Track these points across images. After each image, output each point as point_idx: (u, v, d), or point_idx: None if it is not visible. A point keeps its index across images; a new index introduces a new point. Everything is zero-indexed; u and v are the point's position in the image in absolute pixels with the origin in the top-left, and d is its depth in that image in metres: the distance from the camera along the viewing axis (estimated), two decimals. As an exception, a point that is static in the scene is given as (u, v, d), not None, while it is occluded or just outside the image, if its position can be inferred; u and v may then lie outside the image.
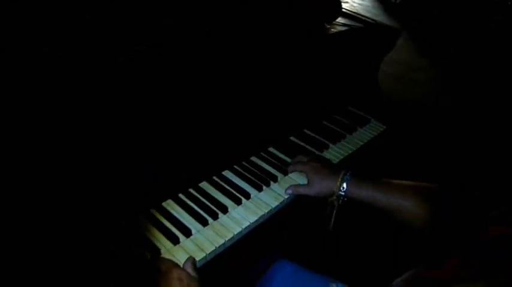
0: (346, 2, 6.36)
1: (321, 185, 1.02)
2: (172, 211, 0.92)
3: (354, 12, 1.48)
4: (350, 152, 1.26)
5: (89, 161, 0.77)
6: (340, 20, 1.37)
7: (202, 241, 0.86)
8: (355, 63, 1.38)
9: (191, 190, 0.99)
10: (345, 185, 0.98)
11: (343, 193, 0.99)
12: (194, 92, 0.94)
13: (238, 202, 0.98)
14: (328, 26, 1.32)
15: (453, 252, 0.54)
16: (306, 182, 1.06)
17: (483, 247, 0.50)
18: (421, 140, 2.67)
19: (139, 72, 0.84)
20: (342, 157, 1.23)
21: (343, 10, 1.45)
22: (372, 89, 1.50)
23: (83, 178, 0.76)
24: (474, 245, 0.52)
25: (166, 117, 0.89)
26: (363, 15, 1.47)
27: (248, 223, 0.93)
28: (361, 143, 1.31)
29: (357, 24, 1.36)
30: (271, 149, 1.20)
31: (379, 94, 1.52)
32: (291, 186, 1.05)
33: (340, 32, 1.28)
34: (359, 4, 6.47)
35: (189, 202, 0.95)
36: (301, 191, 1.04)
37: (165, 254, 0.81)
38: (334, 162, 1.21)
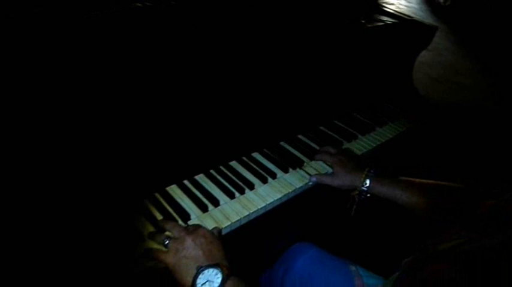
0: (392, 4, 6.26)
1: (345, 179, 1.06)
2: (203, 184, 1.00)
3: (391, 9, 1.51)
4: (378, 144, 1.30)
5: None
6: (376, 16, 1.41)
7: (229, 211, 0.94)
8: (390, 57, 1.41)
9: (222, 167, 1.07)
10: (368, 181, 1.02)
11: (365, 189, 1.03)
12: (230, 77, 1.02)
13: (264, 181, 1.05)
14: (363, 21, 1.36)
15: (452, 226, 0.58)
16: (329, 170, 1.11)
17: (478, 219, 0.54)
18: (457, 140, 2.62)
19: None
20: (369, 148, 1.27)
21: (380, 8, 1.48)
22: (406, 85, 1.52)
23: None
24: (470, 219, 0.56)
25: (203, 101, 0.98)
26: (399, 12, 1.50)
27: (272, 200, 1.00)
28: (390, 137, 1.34)
29: (392, 20, 1.39)
30: (300, 137, 1.26)
31: (414, 92, 1.53)
32: (316, 174, 1.10)
33: (376, 26, 1.32)
34: (405, 6, 6.34)
35: (219, 178, 1.03)
36: (326, 180, 1.08)
37: (194, 221, 0.90)
38: (361, 152, 1.25)
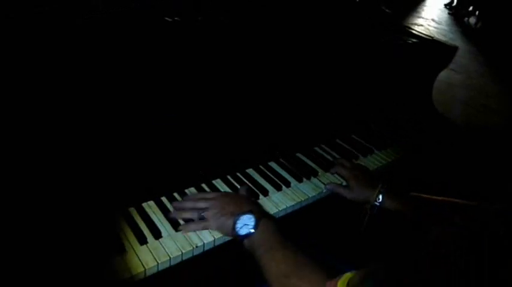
0: (421, 25, 6.25)
1: (359, 193, 1.09)
2: (219, 188, 1.06)
3: (415, 30, 1.54)
4: (392, 159, 1.32)
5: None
6: (398, 35, 1.45)
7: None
8: (409, 74, 1.44)
9: (238, 174, 1.12)
10: (380, 197, 1.05)
11: (378, 204, 1.06)
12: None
13: (278, 188, 1.09)
14: (383, 39, 1.40)
15: None
16: (343, 182, 1.15)
17: None
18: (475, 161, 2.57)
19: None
20: (384, 163, 1.30)
21: (403, 28, 1.52)
22: (426, 104, 1.54)
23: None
24: None
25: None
26: (420, 32, 1.53)
27: (285, 207, 1.04)
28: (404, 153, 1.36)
29: (413, 39, 1.43)
30: (316, 149, 1.30)
31: (433, 111, 1.54)
32: (331, 183, 1.14)
33: (395, 43, 1.36)
34: (435, 28, 6.31)
35: (235, 184, 1.08)
36: (340, 191, 1.12)
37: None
38: (376, 167, 1.27)
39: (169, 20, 1.19)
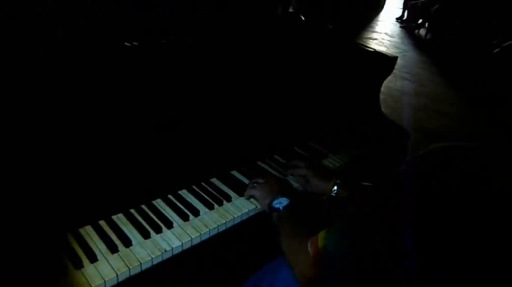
0: (376, 39, 6.59)
1: (317, 187, 1.22)
2: (187, 199, 1.13)
3: (358, 44, 1.69)
4: (346, 161, 1.44)
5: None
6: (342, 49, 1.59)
7: (208, 221, 1.06)
8: (356, 83, 1.57)
9: (203, 184, 1.20)
10: (335, 188, 1.18)
11: (333, 195, 1.18)
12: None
13: (240, 194, 1.18)
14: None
15: None
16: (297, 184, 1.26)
17: None
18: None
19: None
20: (338, 165, 1.41)
21: (347, 42, 1.67)
22: (374, 110, 1.68)
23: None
24: None
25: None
26: (364, 45, 1.69)
27: (247, 210, 1.12)
28: (358, 155, 1.48)
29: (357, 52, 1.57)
30: (276, 157, 1.40)
31: (382, 117, 1.67)
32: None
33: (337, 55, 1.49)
34: (388, 41, 6.67)
35: (201, 193, 1.16)
36: (301, 181, 1.26)
37: (176, 228, 1.02)
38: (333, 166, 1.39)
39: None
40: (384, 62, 1.60)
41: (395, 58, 1.62)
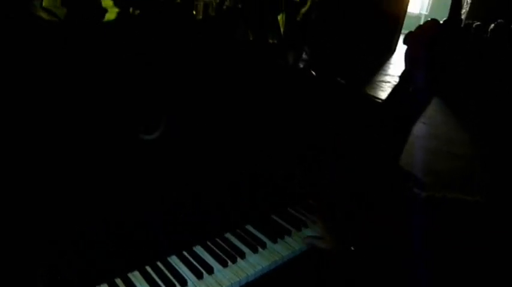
0: (388, 82, 6.69)
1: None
2: (202, 255, 1.15)
3: (367, 95, 1.74)
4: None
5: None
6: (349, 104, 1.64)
7: (221, 279, 1.08)
8: (365, 137, 1.61)
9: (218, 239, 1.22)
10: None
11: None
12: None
13: (255, 250, 1.19)
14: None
15: None
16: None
17: None
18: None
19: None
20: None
21: (356, 94, 1.72)
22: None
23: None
24: None
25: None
26: (373, 96, 1.74)
27: (261, 267, 1.14)
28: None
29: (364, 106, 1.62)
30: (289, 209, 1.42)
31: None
32: (308, 236, 1.27)
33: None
34: (401, 83, 6.74)
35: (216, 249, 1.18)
36: (317, 244, 1.24)
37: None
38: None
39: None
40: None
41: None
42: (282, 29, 2.84)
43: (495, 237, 0.64)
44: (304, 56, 4.12)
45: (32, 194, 0.97)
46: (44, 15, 1.75)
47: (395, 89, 1.27)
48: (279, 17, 2.89)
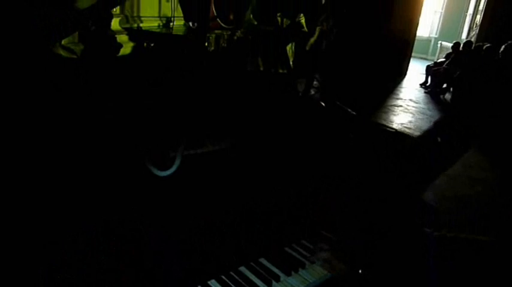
0: (400, 106, 6.68)
1: None
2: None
3: (378, 124, 1.75)
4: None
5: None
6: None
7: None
8: (376, 166, 1.61)
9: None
10: None
11: None
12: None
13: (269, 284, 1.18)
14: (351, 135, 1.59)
15: None
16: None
17: None
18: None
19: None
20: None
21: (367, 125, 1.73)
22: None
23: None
24: None
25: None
26: (386, 126, 1.74)
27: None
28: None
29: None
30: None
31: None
32: None
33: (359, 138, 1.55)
34: (414, 107, 6.74)
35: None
36: None
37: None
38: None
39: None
40: (405, 143, 1.64)
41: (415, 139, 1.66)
42: (291, 59, 2.90)
43: (507, 277, 0.62)
44: (315, 83, 4.17)
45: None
46: (63, 52, 1.83)
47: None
48: (288, 47, 2.96)
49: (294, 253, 1.33)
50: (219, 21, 2.47)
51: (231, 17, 2.55)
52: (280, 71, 2.65)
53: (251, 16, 2.52)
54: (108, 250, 1.04)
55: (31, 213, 0.99)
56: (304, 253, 1.34)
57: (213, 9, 2.43)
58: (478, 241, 0.70)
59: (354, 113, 1.61)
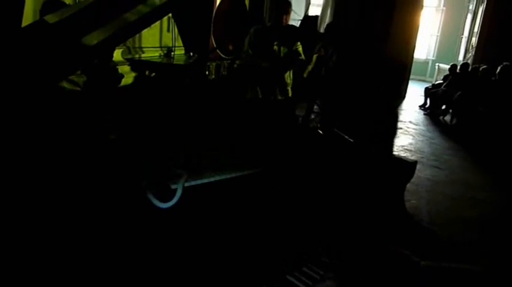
0: (400, 128, 6.72)
1: None
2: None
3: (376, 151, 1.77)
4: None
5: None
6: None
7: None
8: (376, 192, 1.62)
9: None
10: None
11: None
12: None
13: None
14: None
15: None
16: None
17: None
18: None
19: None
20: None
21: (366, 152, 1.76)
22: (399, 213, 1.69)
23: None
24: None
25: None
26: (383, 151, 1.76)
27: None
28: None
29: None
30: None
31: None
32: None
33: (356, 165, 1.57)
34: (413, 129, 6.77)
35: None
36: None
37: None
38: None
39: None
40: (405, 168, 1.66)
41: (415, 163, 1.68)
42: (289, 86, 2.96)
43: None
44: (316, 107, 4.23)
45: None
46: (67, 85, 1.88)
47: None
48: (286, 75, 3.02)
49: (296, 282, 1.33)
50: (219, 52, 2.54)
51: (230, 47, 2.62)
52: (279, 97, 2.70)
53: (248, 48, 2.59)
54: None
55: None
56: (307, 281, 1.33)
57: (213, 40, 2.51)
58: (468, 270, 0.70)
59: (352, 140, 1.64)
